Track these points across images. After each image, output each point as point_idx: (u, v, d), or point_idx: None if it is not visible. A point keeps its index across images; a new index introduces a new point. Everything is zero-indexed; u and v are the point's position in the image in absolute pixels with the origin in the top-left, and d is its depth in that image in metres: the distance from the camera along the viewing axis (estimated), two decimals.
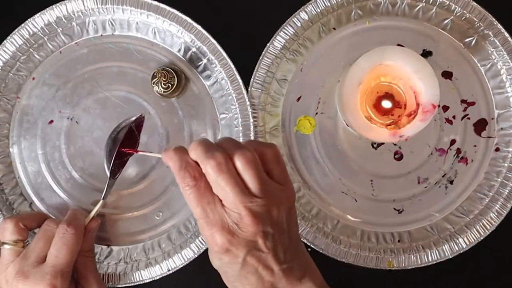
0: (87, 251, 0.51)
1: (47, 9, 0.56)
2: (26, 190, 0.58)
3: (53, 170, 0.58)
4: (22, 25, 0.57)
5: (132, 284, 0.56)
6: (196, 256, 0.55)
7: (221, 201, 0.39)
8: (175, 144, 0.57)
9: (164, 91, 0.55)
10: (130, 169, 0.57)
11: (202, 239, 0.55)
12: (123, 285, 0.56)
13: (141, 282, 0.56)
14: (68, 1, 0.56)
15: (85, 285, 0.50)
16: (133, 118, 0.51)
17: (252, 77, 0.56)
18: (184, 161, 0.39)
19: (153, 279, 0.56)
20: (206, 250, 0.55)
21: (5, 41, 0.57)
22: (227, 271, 0.41)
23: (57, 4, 0.56)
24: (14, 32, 0.57)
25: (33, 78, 0.58)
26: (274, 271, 0.40)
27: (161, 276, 0.56)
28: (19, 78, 0.58)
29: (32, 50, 0.58)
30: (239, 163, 0.39)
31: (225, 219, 0.38)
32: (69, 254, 0.47)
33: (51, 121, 0.58)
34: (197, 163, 0.39)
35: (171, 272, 0.55)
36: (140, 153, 0.50)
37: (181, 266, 0.55)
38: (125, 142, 0.50)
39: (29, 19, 0.57)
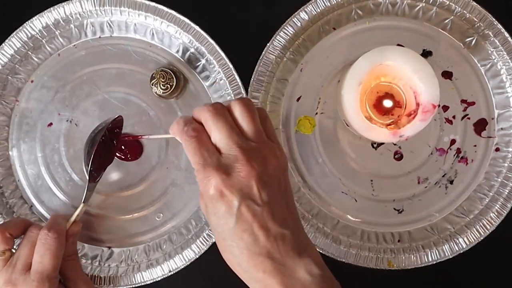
0: (71, 255, 0.51)
1: (45, 11, 0.56)
2: (26, 193, 0.58)
3: (52, 172, 0.58)
4: (20, 27, 0.56)
5: (134, 286, 0.56)
6: (197, 256, 0.55)
7: (219, 151, 0.40)
8: (175, 144, 0.57)
9: (163, 92, 0.55)
10: (130, 171, 0.57)
11: (203, 240, 0.55)
12: (125, 287, 0.56)
13: (143, 284, 0.56)
14: (66, 4, 0.56)
15: (72, 287, 0.51)
16: (110, 120, 0.50)
17: (252, 77, 0.56)
18: (188, 120, 0.42)
19: (154, 280, 0.56)
20: (207, 251, 0.55)
21: (3, 44, 0.56)
22: (223, 230, 0.39)
23: (55, 7, 0.56)
24: (12, 34, 0.56)
25: (32, 81, 0.58)
26: (270, 231, 0.38)
27: (162, 277, 0.56)
28: (17, 81, 0.58)
29: (30, 53, 0.58)
30: (238, 108, 0.41)
31: (221, 162, 0.39)
32: (53, 259, 0.47)
33: (50, 124, 0.58)
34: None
35: (172, 273, 0.56)
36: (146, 137, 0.50)
37: (182, 267, 0.56)
38: (102, 149, 0.50)
39: (27, 22, 0.56)
